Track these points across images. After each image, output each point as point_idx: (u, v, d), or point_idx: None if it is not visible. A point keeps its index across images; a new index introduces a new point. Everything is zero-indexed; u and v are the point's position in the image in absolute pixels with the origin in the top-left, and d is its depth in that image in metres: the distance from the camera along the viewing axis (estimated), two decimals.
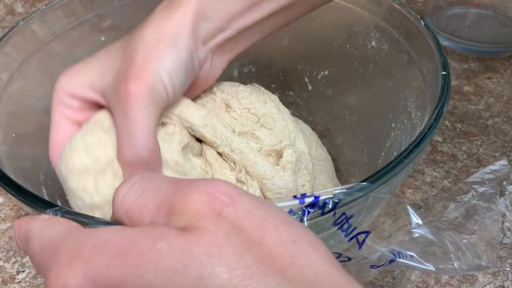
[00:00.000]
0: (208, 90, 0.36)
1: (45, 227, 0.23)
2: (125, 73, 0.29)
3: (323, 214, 0.24)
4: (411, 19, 0.38)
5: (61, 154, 0.32)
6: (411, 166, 0.29)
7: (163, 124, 0.32)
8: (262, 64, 0.51)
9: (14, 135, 0.36)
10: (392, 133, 0.39)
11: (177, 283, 0.18)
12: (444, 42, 0.62)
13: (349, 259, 0.26)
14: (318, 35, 0.47)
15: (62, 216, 0.23)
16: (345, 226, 0.25)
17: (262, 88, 0.38)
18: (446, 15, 0.64)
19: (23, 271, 0.41)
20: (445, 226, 0.29)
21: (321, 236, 0.26)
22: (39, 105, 0.40)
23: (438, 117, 0.30)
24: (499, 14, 0.62)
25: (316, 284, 0.18)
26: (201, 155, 0.34)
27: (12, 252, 0.42)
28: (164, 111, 0.31)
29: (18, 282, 0.40)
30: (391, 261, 0.26)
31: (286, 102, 0.49)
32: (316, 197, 0.23)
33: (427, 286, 0.39)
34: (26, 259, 0.41)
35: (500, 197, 0.30)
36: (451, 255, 0.27)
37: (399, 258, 0.26)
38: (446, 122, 0.53)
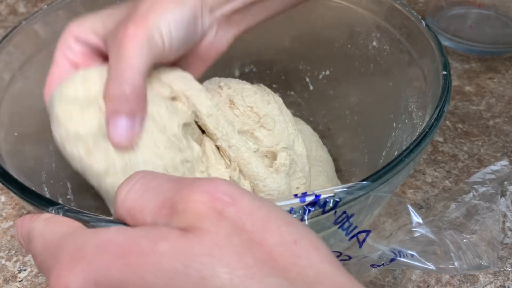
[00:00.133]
0: (216, 84, 0.37)
1: (47, 226, 0.23)
2: (126, 20, 0.30)
3: (324, 212, 0.24)
4: (413, 19, 0.39)
5: (57, 86, 0.31)
6: (411, 166, 0.29)
7: (172, 98, 0.33)
8: (264, 64, 0.51)
9: (16, 134, 0.36)
10: (393, 133, 0.39)
11: (178, 284, 0.18)
12: (445, 43, 0.62)
13: (350, 258, 0.26)
14: (320, 35, 0.47)
15: (64, 214, 0.23)
16: (346, 225, 0.25)
17: (268, 89, 0.38)
18: (448, 15, 0.64)
19: (24, 270, 0.41)
20: (446, 225, 0.29)
21: (321, 234, 0.26)
22: (41, 104, 0.40)
23: (439, 116, 0.30)
24: (501, 15, 0.62)
25: (317, 284, 0.18)
26: (200, 145, 0.34)
27: (14, 251, 0.42)
28: (175, 91, 0.32)
29: (19, 281, 0.40)
30: (392, 260, 0.26)
31: (287, 102, 0.49)
32: (317, 196, 0.24)
33: (428, 286, 0.39)
34: (28, 257, 0.42)
35: (501, 197, 0.30)
36: (452, 254, 0.27)
37: (400, 257, 0.26)
38: (447, 122, 0.53)
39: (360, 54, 0.44)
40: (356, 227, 0.26)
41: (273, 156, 0.35)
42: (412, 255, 0.26)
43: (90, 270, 0.19)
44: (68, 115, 0.29)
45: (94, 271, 0.19)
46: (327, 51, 0.47)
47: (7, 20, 0.69)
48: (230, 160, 0.33)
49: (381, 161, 0.40)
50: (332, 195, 0.24)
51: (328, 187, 0.41)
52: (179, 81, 0.33)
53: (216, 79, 0.38)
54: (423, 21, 0.38)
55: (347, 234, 0.26)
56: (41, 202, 0.25)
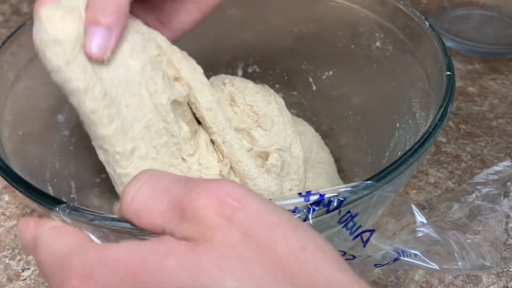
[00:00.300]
0: (220, 80, 0.37)
1: (53, 237, 0.23)
2: None
3: (328, 212, 0.24)
4: (416, 19, 0.39)
5: None
6: (415, 166, 0.29)
7: (174, 78, 0.33)
8: (267, 64, 0.51)
9: (20, 133, 0.36)
10: (397, 133, 0.39)
11: None
12: (448, 43, 0.62)
13: (354, 257, 0.26)
14: (323, 35, 0.47)
15: (70, 212, 0.23)
16: (350, 224, 0.25)
17: (271, 90, 0.38)
18: (450, 16, 0.64)
19: (28, 269, 0.41)
20: (449, 226, 0.29)
21: (326, 234, 0.26)
22: (45, 104, 0.40)
23: (443, 117, 0.30)
24: (504, 15, 0.62)
25: None
26: (195, 134, 0.34)
27: (18, 250, 0.42)
28: (181, 78, 0.32)
29: (23, 280, 0.40)
30: (395, 259, 0.26)
31: (290, 102, 0.49)
32: (321, 195, 0.24)
33: (430, 286, 0.39)
34: (32, 257, 0.42)
35: (504, 198, 0.30)
36: (455, 254, 0.27)
37: (403, 256, 0.26)
38: (450, 123, 0.53)
39: (363, 54, 0.44)
40: (360, 226, 0.26)
41: (266, 157, 0.35)
42: (415, 255, 0.26)
43: None
44: (50, 19, 0.28)
45: None
46: (330, 52, 0.47)
47: (11, 20, 0.69)
48: (223, 156, 0.34)
49: (384, 161, 0.40)
50: (336, 194, 0.24)
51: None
52: (188, 70, 0.33)
53: (223, 76, 0.38)
54: (426, 22, 0.38)
55: (351, 233, 0.26)
56: (46, 200, 0.25)
